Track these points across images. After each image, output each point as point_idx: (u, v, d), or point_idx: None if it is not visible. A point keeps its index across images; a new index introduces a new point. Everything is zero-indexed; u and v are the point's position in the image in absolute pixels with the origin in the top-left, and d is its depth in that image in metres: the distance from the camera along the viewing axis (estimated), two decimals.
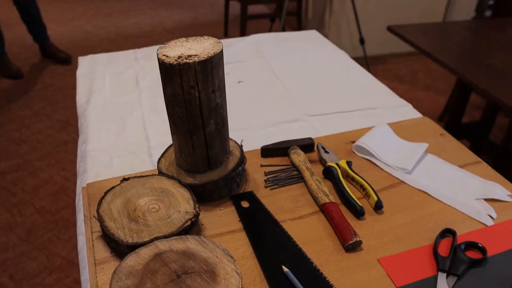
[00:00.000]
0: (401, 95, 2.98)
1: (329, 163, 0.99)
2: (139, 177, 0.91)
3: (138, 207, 0.84)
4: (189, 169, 0.91)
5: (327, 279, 0.76)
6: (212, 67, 0.80)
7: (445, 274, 0.78)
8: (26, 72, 3.47)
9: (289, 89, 1.41)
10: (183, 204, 0.84)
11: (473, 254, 0.83)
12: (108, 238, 0.80)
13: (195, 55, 0.79)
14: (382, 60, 3.58)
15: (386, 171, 1.02)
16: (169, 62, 0.78)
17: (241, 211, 0.89)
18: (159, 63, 0.80)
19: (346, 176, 0.99)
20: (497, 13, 2.94)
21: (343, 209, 0.91)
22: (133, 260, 0.73)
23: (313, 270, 0.78)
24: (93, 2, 5.15)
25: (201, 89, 0.81)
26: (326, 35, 3.50)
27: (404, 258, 0.81)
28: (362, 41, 3.25)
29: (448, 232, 0.87)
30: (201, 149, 0.88)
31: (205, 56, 0.79)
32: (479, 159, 1.07)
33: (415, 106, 1.39)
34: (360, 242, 0.82)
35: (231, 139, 1.00)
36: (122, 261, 0.73)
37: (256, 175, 1.00)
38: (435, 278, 0.78)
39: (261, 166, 1.02)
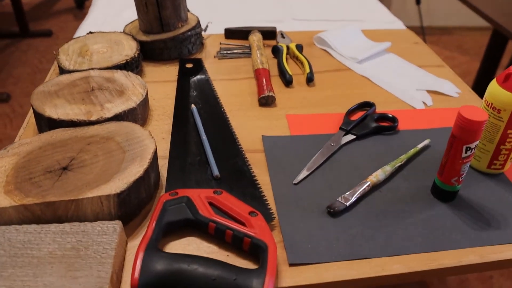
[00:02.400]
0: (458, 65, 2.80)
1: (279, 44, 1.00)
2: (103, 32, 0.99)
3: (90, 49, 0.92)
4: (146, 29, 0.98)
5: (230, 124, 0.79)
6: None
7: (343, 132, 0.77)
8: None
9: None
10: (128, 51, 0.91)
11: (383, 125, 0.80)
12: (60, 69, 0.90)
13: None
14: (448, 31, 3.36)
15: (337, 60, 1.00)
16: None
17: (182, 69, 0.94)
18: None
19: (293, 56, 0.99)
20: None
21: (277, 80, 0.92)
22: (64, 77, 0.82)
23: (222, 116, 0.81)
24: None
25: None
26: None
27: (312, 118, 0.81)
28: (418, 1, 3.07)
29: (368, 106, 0.84)
30: (153, 8, 0.94)
31: None
32: (443, 63, 1.01)
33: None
34: (273, 97, 0.83)
35: (193, 14, 1.05)
36: (56, 77, 0.83)
37: (212, 50, 1.04)
38: (332, 135, 0.77)
39: (220, 44, 1.06)
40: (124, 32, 0.99)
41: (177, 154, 0.71)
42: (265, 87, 0.84)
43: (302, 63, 0.95)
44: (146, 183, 0.62)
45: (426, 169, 0.70)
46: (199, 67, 0.95)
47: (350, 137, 0.76)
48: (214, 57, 1.00)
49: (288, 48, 0.99)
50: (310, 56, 1.01)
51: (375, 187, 0.66)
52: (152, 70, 0.95)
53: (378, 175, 0.67)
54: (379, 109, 0.84)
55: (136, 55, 0.89)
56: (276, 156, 0.71)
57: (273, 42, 1.06)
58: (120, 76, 0.83)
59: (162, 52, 0.96)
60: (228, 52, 1.01)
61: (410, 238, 0.58)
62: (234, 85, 0.90)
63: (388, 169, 0.68)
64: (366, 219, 0.61)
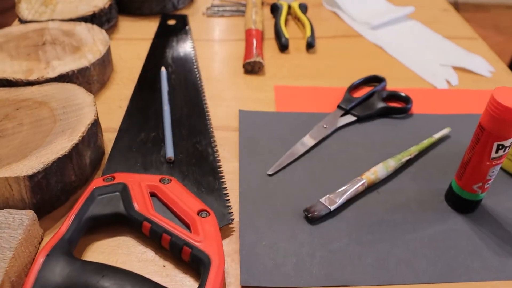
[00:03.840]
0: (492, 45, 2.53)
1: (279, 1, 0.82)
2: None
3: None
4: None
5: (203, 94, 0.63)
6: None
7: (341, 112, 0.60)
8: None
9: None
10: (98, 1, 0.75)
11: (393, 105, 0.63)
12: (19, 20, 0.75)
13: None
14: (484, 8, 3.05)
15: (348, 24, 0.82)
16: None
17: (163, 26, 0.78)
18: None
19: (294, 17, 0.81)
20: None
21: (272, 44, 0.75)
22: (16, 28, 0.67)
23: (195, 83, 0.65)
24: None
25: None
26: None
27: (305, 92, 0.64)
28: None
29: (377, 80, 0.66)
30: None
31: None
32: (476, 36, 0.81)
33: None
34: (261, 64, 0.66)
35: None
36: (8, 27, 0.68)
37: (203, 5, 0.86)
38: (327, 114, 0.60)
39: None
40: None
41: (128, 127, 0.55)
42: (253, 51, 0.67)
43: (303, 26, 0.77)
44: (76, 163, 0.47)
45: (442, 167, 0.53)
46: (182, 24, 0.79)
47: (350, 118, 0.59)
48: (203, 14, 0.83)
49: (289, 7, 0.81)
50: (315, 18, 0.82)
51: (371, 187, 0.50)
52: (128, 26, 0.79)
53: (377, 171, 0.50)
54: (391, 85, 0.66)
55: (107, 6, 0.73)
56: (252, 137, 0.55)
57: (274, 0, 0.88)
58: (82, 29, 0.67)
59: (142, 5, 0.80)
60: (220, 9, 0.83)
61: (411, 261, 0.42)
62: (219, 47, 0.73)
63: (391, 163, 0.51)
64: (354, 230, 0.45)
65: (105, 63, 0.63)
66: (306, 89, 0.64)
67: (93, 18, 0.71)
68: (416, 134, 0.57)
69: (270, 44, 0.74)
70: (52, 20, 0.70)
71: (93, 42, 0.64)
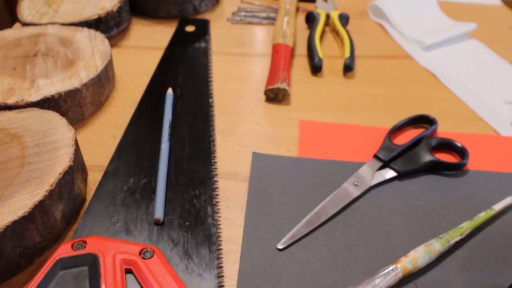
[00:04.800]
0: None
1: (317, 10, 0.69)
2: None
3: None
4: None
5: (212, 127, 0.52)
6: None
7: (379, 164, 0.48)
8: None
9: None
10: (107, 2, 0.65)
11: (443, 157, 0.50)
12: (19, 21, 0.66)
13: None
14: None
15: (395, 41, 0.68)
16: None
17: (178, 33, 0.67)
18: None
19: (333, 30, 0.68)
20: None
21: (303, 62, 0.62)
22: (10, 33, 0.58)
23: (206, 110, 0.54)
24: None
25: None
26: None
27: (335, 130, 0.52)
28: None
29: (425, 121, 0.53)
30: None
31: None
32: None
33: None
34: (285, 91, 0.54)
35: None
36: (2, 31, 0.59)
37: (229, 9, 0.74)
38: (360, 165, 0.48)
39: (242, 1, 0.76)
40: None
41: (117, 168, 0.45)
42: (278, 75, 0.55)
43: (342, 42, 0.64)
44: (42, 223, 0.38)
45: (503, 253, 0.40)
46: (202, 31, 0.67)
47: (388, 173, 0.47)
48: (227, 19, 0.71)
49: (328, 17, 0.68)
50: (357, 31, 0.69)
51: (408, 278, 0.38)
52: (140, 31, 0.68)
53: (417, 258, 0.38)
54: (442, 126, 0.53)
55: (115, 9, 0.63)
56: (265, 191, 0.44)
57: (312, 7, 0.75)
58: (83, 37, 0.58)
59: (158, 7, 0.69)
60: (247, 14, 0.71)
61: None
62: (241, 64, 0.62)
63: (436, 247, 0.39)
64: None
65: (101, 81, 0.53)
66: (337, 126, 0.52)
67: (99, 23, 0.61)
68: (471, 201, 0.44)
69: (301, 62, 0.62)
70: (52, 23, 0.60)
71: (91, 54, 0.54)
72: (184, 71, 0.59)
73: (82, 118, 0.52)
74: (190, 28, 0.68)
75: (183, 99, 0.54)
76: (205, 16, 0.72)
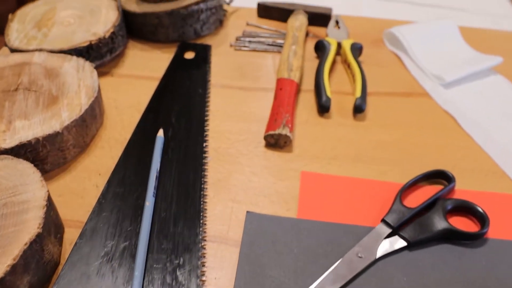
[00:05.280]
0: None
1: (326, 38, 0.64)
2: None
3: (55, 18, 0.62)
4: None
5: (203, 179, 0.48)
6: None
7: (387, 231, 0.43)
8: None
9: None
10: (99, 27, 0.60)
11: (460, 223, 0.44)
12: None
13: None
14: None
15: (412, 75, 0.63)
16: None
17: (176, 61, 0.62)
18: None
19: (344, 61, 0.63)
20: None
21: (309, 99, 0.57)
22: None
23: (198, 157, 0.49)
24: None
25: None
26: None
27: (341, 184, 0.47)
28: None
29: (442, 177, 0.48)
30: None
31: None
32: None
33: None
34: (287, 138, 0.49)
35: None
36: None
37: (234, 32, 0.69)
38: (366, 230, 0.43)
39: (247, 24, 0.71)
40: None
41: (96, 227, 0.41)
42: (280, 118, 0.50)
43: (354, 77, 0.58)
44: None
45: None
46: (203, 58, 0.63)
47: (397, 242, 0.42)
48: (231, 45, 0.66)
49: (339, 45, 0.63)
50: (372, 63, 0.63)
51: None
52: (136, 57, 0.64)
53: None
54: (461, 183, 0.47)
55: (108, 35, 0.58)
56: (257, 261, 0.40)
57: (323, 32, 0.70)
58: (70, 68, 0.53)
59: (156, 31, 0.64)
60: (252, 40, 0.66)
61: None
62: (241, 98, 0.57)
63: None
64: None
65: (86, 122, 0.49)
66: (343, 180, 0.47)
67: (90, 50, 0.57)
68: (491, 277, 0.39)
69: (308, 99, 0.57)
70: (40, 50, 0.56)
71: (77, 90, 0.50)
72: (179, 108, 0.54)
73: (64, 162, 0.48)
74: (189, 55, 0.63)
75: (174, 142, 0.50)
76: (207, 40, 0.67)
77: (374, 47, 0.67)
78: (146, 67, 0.61)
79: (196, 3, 0.63)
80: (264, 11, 0.72)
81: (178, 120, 0.53)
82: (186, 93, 0.57)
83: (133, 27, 0.65)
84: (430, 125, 0.55)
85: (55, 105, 0.48)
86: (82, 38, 0.58)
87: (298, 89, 0.57)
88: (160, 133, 0.50)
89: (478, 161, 0.50)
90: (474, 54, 0.65)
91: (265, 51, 0.65)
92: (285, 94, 0.54)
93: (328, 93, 0.55)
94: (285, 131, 0.49)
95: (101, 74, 0.60)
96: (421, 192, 0.47)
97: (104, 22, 0.61)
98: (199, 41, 0.67)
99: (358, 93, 0.55)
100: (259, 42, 0.66)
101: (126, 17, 0.64)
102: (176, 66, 0.61)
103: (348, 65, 0.61)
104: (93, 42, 0.57)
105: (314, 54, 0.65)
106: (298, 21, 0.66)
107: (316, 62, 0.62)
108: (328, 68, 0.59)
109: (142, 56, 0.64)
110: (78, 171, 0.48)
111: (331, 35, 0.64)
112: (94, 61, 0.58)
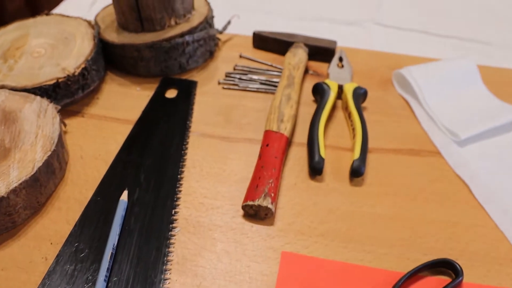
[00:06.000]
0: None
1: (326, 80, 0.57)
2: (63, 16, 0.63)
3: (26, 46, 0.57)
4: (121, 23, 0.59)
5: (166, 257, 0.42)
6: None
7: None
8: None
9: None
10: (71, 61, 0.54)
11: None
12: None
13: None
14: None
15: (422, 127, 0.55)
16: None
17: (157, 99, 0.56)
18: None
19: (345, 108, 0.56)
20: None
21: (302, 154, 0.51)
22: None
23: (162, 231, 0.43)
24: None
25: None
26: None
27: (328, 272, 0.40)
28: None
29: (449, 267, 0.41)
30: None
31: None
32: None
33: None
34: (268, 210, 0.43)
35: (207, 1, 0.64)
36: None
37: (225, 66, 0.63)
38: None
39: (240, 56, 0.64)
40: (90, 22, 0.61)
41: None
42: (262, 185, 0.44)
43: (354, 131, 0.52)
44: None
45: None
46: (185, 98, 0.56)
47: None
48: (219, 83, 0.60)
49: (340, 88, 0.56)
50: (377, 111, 0.56)
51: None
52: (114, 93, 0.58)
53: None
54: (470, 274, 0.40)
55: (78, 72, 0.52)
56: None
57: (325, 68, 0.63)
58: (31, 112, 0.48)
59: (136, 64, 0.58)
60: (243, 77, 0.60)
61: None
62: (223, 152, 0.51)
63: None
64: None
65: (40, 181, 0.43)
66: (330, 265, 0.41)
67: (57, 89, 0.52)
68: None
69: (299, 155, 0.50)
70: (2, 87, 0.51)
71: (33, 141, 0.44)
72: (151, 162, 0.48)
73: (14, 226, 0.43)
74: (171, 93, 0.57)
75: (140, 207, 0.44)
76: (194, 74, 0.61)
77: (381, 89, 0.60)
78: (121, 107, 0.55)
79: (181, 35, 0.56)
80: (260, 42, 0.65)
81: (148, 178, 0.47)
82: (162, 143, 0.50)
83: (113, 58, 0.60)
84: (439, 193, 0.47)
85: (5, 161, 0.42)
86: (49, 74, 0.52)
87: (288, 142, 0.50)
88: (124, 195, 0.44)
89: (492, 244, 0.43)
90: (495, 104, 0.57)
91: (257, 91, 0.58)
92: (271, 152, 0.47)
93: (322, 152, 0.48)
94: (266, 203, 0.42)
95: (71, 113, 0.54)
96: (422, 285, 0.40)
97: (76, 54, 0.55)
98: (185, 76, 0.60)
99: (357, 154, 0.48)
100: (250, 80, 0.59)
101: (105, 46, 0.59)
102: (155, 107, 0.55)
103: (349, 114, 0.54)
104: (60, 80, 0.51)
105: (311, 97, 0.58)
106: (297, 57, 0.59)
107: (313, 107, 0.55)
108: (325, 118, 0.52)
109: (119, 92, 0.58)
110: (28, 238, 0.42)
111: (332, 76, 0.57)
112: (63, 99, 0.53)
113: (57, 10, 0.84)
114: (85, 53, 0.55)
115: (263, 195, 0.43)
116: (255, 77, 0.60)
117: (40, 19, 0.62)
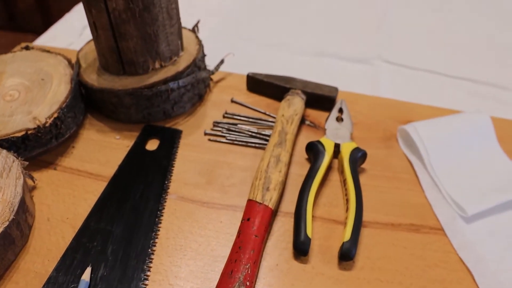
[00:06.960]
0: None
1: (322, 139, 0.52)
2: (43, 51, 0.59)
3: None
4: (103, 64, 0.56)
5: None
6: None
7: None
8: None
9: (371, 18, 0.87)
10: (46, 105, 0.51)
11: None
12: None
13: None
14: None
15: (425, 196, 0.50)
16: None
17: (136, 152, 0.52)
18: None
19: (341, 172, 0.51)
20: None
21: (288, 227, 0.46)
22: None
23: None
24: None
25: None
26: None
27: None
28: None
29: None
30: (106, 35, 0.51)
31: None
32: None
33: None
34: None
35: (198, 38, 0.59)
36: None
37: (212, 111, 0.59)
38: None
39: (232, 101, 0.60)
40: (70, 60, 0.57)
41: None
42: (236, 270, 0.40)
43: (348, 202, 0.47)
44: None
45: None
46: (168, 150, 0.53)
47: None
48: (205, 134, 0.56)
49: (337, 147, 0.51)
50: (377, 175, 0.52)
51: None
52: (92, 142, 0.54)
53: None
54: None
55: (49, 123, 0.49)
56: None
57: (323, 118, 0.58)
58: None
59: (116, 110, 0.55)
60: (232, 128, 0.55)
61: None
62: (201, 221, 0.46)
63: None
64: None
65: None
66: None
67: (26, 141, 0.48)
68: None
69: (284, 228, 0.46)
70: None
71: None
72: (120, 231, 0.45)
73: None
74: (152, 144, 0.53)
75: (105, 285, 0.40)
76: (180, 121, 0.57)
77: (384, 146, 0.55)
78: (97, 159, 0.52)
79: (164, 82, 0.52)
80: (255, 85, 0.60)
81: (116, 251, 0.43)
82: (135, 208, 0.47)
83: (93, 100, 0.56)
84: (437, 281, 0.43)
85: None
86: (18, 124, 0.49)
87: (274, 213, 0.46)
88: (86, 274, 0.41)
89: None
90: (510, 169, 0.52)
91: (246, 145, 0.54)
92: (251, 229, 0.43)
93: (309, 231, 0.44)
94: None
95: (42, 165, 0.51)
96: None
97: (50, 101, 0.51)
98: (170, 123, 0.57)
99: (348, 235, 0.43)
100: (239, 132, 0.55)
101: (85, 88, 0.55)
102: (133, 161, 0.51)
103: (344, 181, 0.49)
104: (30, 132, 0.48)
105: (305, 155, 0.53)
106: (292, 108, 0.55)
107: (306, 167, 0.51)
108: (317, 184, 0.47)
109: (97, 141, 0.54)
110: None
111: (329, 133, 0.53)
112: (34, 149, 0.50)
113: (51, 31, 0.81)
114: (59, 100, 0.51)
115: (237, 284, 0.39)
116: (245, 127, 0.55)
117: (20, 55, 0.58)
